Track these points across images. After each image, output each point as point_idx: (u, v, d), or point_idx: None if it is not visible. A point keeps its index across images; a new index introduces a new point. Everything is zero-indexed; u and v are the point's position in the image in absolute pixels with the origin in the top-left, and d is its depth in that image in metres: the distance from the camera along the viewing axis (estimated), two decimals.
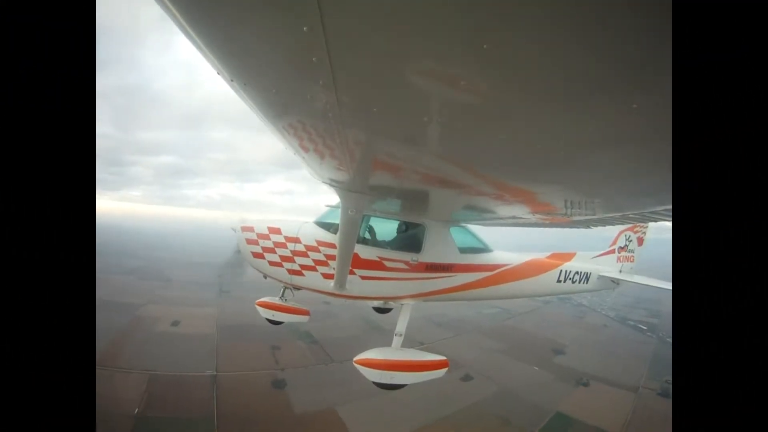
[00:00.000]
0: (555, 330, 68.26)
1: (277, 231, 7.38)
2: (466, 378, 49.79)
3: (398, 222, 7.57)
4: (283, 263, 7.30)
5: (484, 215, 6.30)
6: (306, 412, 40.95)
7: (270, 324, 8.90)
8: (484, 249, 8.05)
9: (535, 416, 42.66)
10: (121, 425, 35.24)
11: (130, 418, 36.90)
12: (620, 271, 9.69)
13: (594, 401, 46.28)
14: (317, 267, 7.19)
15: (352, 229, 5.90)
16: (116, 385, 40.75)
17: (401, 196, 5.36)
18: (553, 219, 5.56)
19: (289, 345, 53.97)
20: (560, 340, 63.72)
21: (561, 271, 8.63)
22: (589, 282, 9.04)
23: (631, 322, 74.52)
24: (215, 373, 46.84)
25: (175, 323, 59.06)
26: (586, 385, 50.33)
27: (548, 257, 8.81)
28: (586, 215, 4.87)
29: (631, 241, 9.95)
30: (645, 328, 70.92)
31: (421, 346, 50.25)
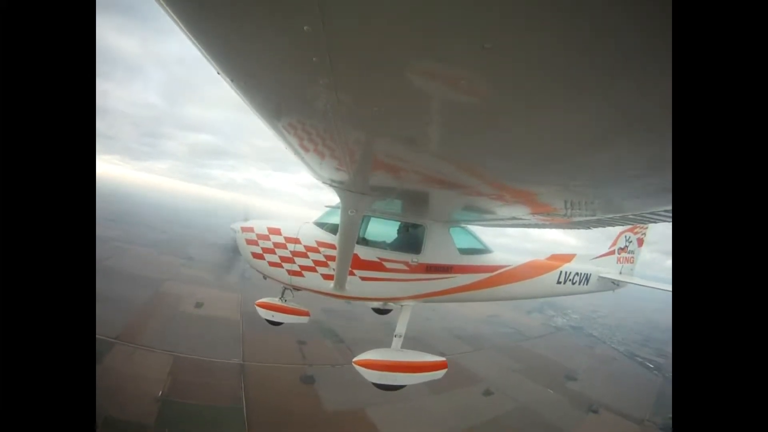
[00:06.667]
0: (567, 356, 71.26)
1: (277, 231, 7.37)
2: (487, 393, 52.27)
3: (398, 223, 7.56)
4: (283, 264, 7.29)
5: (484, 216, 6.29)
6: (336, 411, 41.13)
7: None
8: (484, 250, 8.03)
9: None
10: (145, 408, 34.27)
11: (155, 401, 35.84)
12: (620, 273, 9.68)
13: (603, 428, 49.18)
14: (317, 268, 7.18)
15: (352, 229, 5.89)
16: (139, 364, 39.56)
17: (401, 196, 5.36)
18: (553, 220, 5.55)
19: (315, 341, 54.23)
20: (572, 367, 66.56)
21: (561, 272, 8.61)
22: (589, 283, 9.02)
23: (639, 359, 77.77)
24: (242, 362, 46.18)
25: (199, 305, 58.79)
26: (596, 412, 53.30)
27: (548, 258, 8.80)
28: (586, 216, 4.86)
29: (631, 242, 9.95)
30: (652, 366, 73.93)
31: (443, 357, 53.10)
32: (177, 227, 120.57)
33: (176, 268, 74.10)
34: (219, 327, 52.54)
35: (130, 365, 38.82)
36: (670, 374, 66.04)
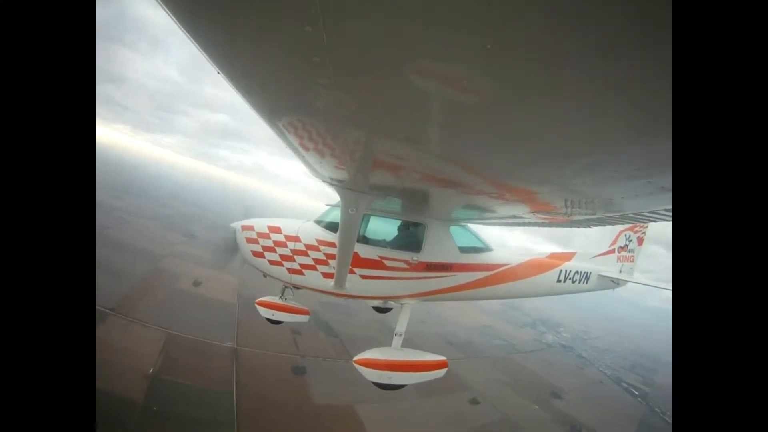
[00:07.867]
0: (555, 374, 71.73)
1: (277, 230, 7.37)
2: (474, 402, 52.41)
3: (398, 221, 7.56)
4: (283, 262, 7.29)
5: (484, 214, 6.29)
6: (325, 405, 40.85)
7: None
8: (484, 248, 8.02)
9: None
10: (135, 384, 33.83)
11: (145, 378, 35.34)
12: (620, 271, 9.68)
13: None
14: (317, 266, 7.18)
15: (353, 228, 5.89)
16: (132, 338, 38.93)
17: (401, 194, 5.36)
18: (553, 218, 5.56)
19: (309, 332, 53.58)
20: (559, 385, 67.02)
21: (561, 270, 8.60)
22: (589, 282, 9.02)
23: (625, 384, 78.13)
24: (236, 346, 45.77)
25: (197, 284, 58.16)
26: None
27: (548, 257, 8.79)
28: (585, 215, 4.87)
29: (631, 240, 9.94)
30: (637, 393, 74.25)
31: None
32: (181, 204, 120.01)
33: (178, 244, 73.27)
34: (215, 308, 51.86)
35: (123, 339, 38.01)
36: (653, 404, 67.06)
